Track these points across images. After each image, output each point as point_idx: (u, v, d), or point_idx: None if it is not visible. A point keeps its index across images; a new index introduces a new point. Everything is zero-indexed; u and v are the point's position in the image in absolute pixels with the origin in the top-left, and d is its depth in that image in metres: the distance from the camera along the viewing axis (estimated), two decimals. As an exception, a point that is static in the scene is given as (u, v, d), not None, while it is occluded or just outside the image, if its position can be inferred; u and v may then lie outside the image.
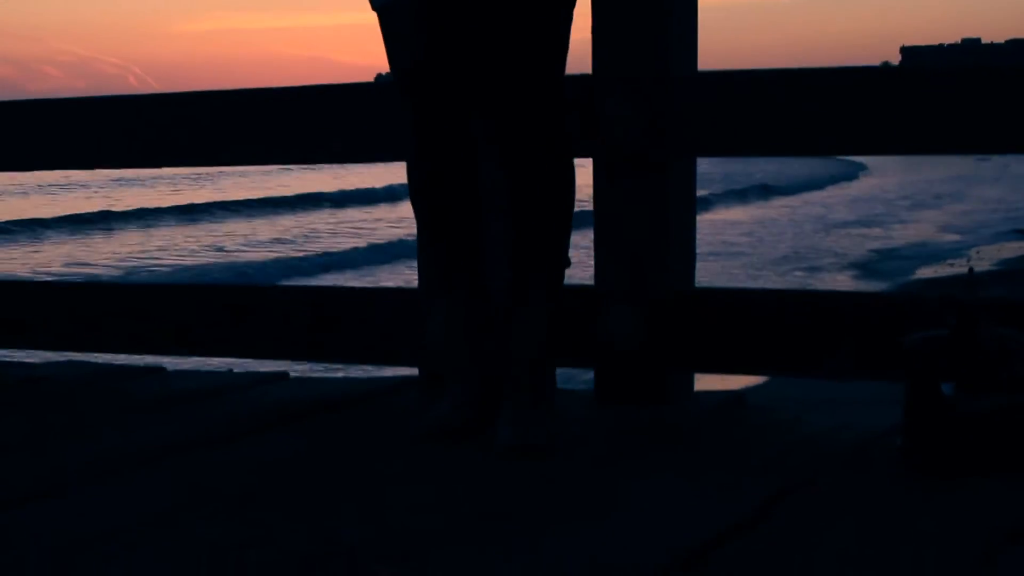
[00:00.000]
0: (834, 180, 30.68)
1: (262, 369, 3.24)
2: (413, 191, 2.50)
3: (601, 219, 2.70)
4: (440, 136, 2.43)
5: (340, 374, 4.55)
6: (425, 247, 2.58)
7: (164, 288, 4.87)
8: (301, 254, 18.28)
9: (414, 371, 2.98)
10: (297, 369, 3.28)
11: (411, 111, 2.44)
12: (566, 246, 2.42)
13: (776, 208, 24.46)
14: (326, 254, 17.77)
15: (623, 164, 2.67)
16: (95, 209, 22.94)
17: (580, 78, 2.66)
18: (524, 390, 2.39)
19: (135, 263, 18.40)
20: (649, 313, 2.66)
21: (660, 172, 2.66)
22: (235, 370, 3.31)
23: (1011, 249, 19.40)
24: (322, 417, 2.70)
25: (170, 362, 3.53)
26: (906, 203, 24.97)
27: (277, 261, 17.37)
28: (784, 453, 2.30)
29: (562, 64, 2.37)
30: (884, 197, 26.41)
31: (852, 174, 32.90)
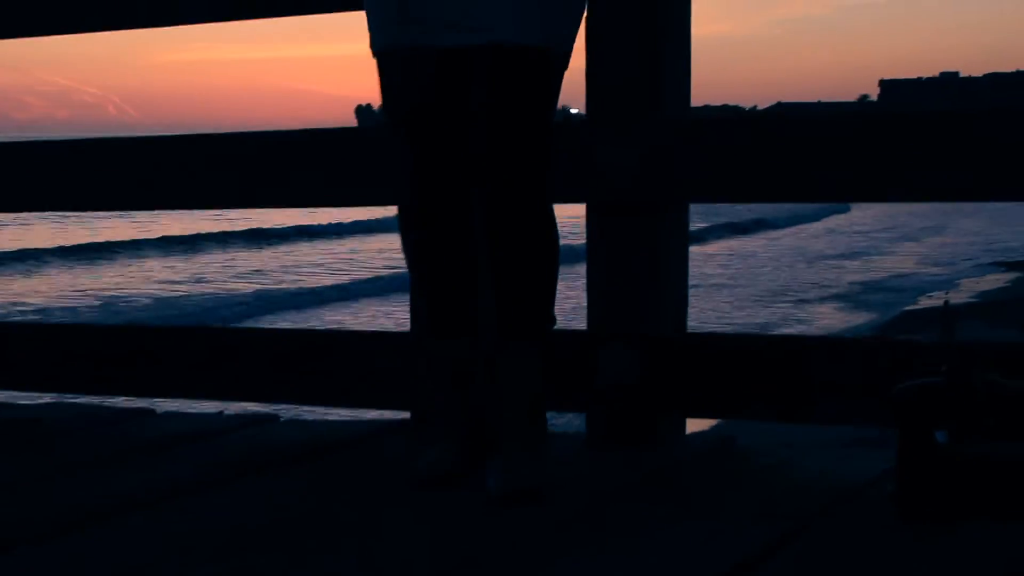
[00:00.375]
0: (827, 212, 30.84)
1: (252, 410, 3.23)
2: (405, 233, 2.50)
3: (594, 262, 2.71)
4: (433, 179, 2.43)
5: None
6: (417, 290, 2.56)
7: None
8: (292, 286, 18.21)
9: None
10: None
11: (405, 153, 2.44)
12: (552, 300, 2.42)
13: (770, 240, 24.51)
14: (319, 286, 17.66)
15: (615, 208, 2.68)
16: (86, 240, 22.78)
17: (574, 122, 2.67)
18: (515, 437, 2.39)
19: (119, 293, 18.32)
20: (641, 356, 2.66)
21: (652, 216, 2.67)
22: (225, 412, 3.30)
23: (989, 281, 19.45)
24: (312, 462, 2.68)
25: (160, 403, 3.51)
26: (894, 235, 25.05)
27: (261, 294, 17.32)
28: (777, 498, 2.30)
29: (552, 120, 2.38)
30: (874, 229, 26.49)
31: (844, 207, 33.10)
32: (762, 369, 2.62)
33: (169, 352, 3.18)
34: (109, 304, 17.49)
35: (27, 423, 3.14)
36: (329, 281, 18.57)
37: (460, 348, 2.49)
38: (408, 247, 2.50)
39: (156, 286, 18.79)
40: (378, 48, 2.42)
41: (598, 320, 2.71)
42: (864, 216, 30.94)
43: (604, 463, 2.60)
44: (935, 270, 19.81)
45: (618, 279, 2.68)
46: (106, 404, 3.33)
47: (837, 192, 2.60)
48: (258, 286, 18.52)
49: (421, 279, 2.53)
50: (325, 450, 2.77)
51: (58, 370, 3.29)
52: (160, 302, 17.64)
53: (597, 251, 2.70)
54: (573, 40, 2.40)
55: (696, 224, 25.42)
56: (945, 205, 32.55)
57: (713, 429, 3.15)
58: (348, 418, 3.31)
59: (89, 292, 18.59)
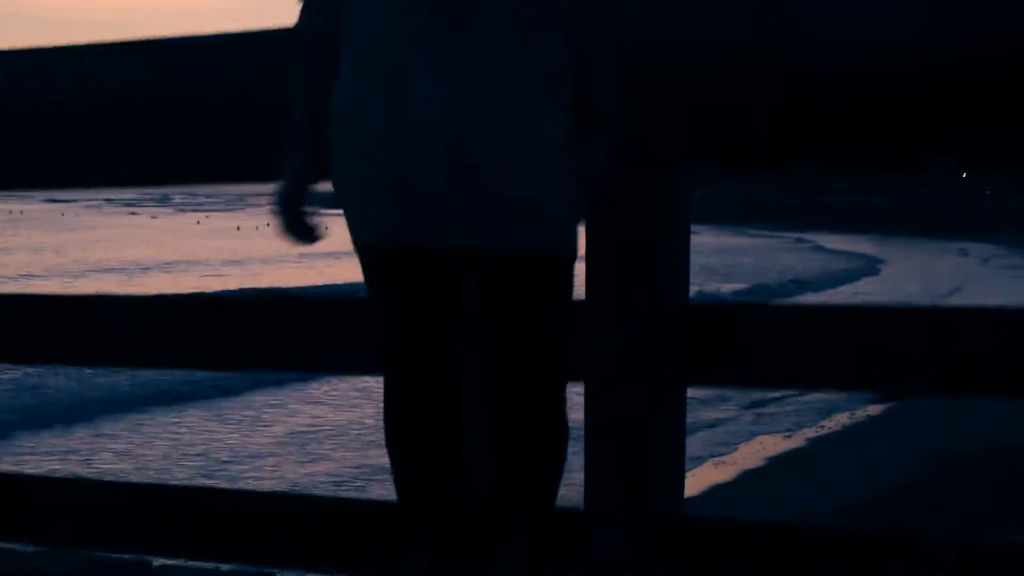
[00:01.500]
0: (860, 274, 30.95)
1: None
2: (397, 423, 2.47)
3: (592, 441, 2.76)
4: (429, 363, 2.42)
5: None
6: (400, 480, 2.50)
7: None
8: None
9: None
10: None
11: (395, 328, 2.43)
12: (556, 495, 2.45)
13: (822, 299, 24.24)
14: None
15: (615, 386, 2.71)
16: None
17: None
18: None
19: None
20: (639, 537, 2.69)
21: (647, 394, 2.69)
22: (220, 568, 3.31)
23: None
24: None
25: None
26: (926, 296, 24.79)
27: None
28: None
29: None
30: (908, 289, 26.30)
31: (873, 268, 33.24)
32: (763, 553, 2.66)
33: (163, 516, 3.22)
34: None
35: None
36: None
37: (443, 549, 2.46)
38: (392, 440, 2.48)
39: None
40: (387, 244, 2.38)
41: (595, 500, 2.74)
42: (899, 276, 30.86)
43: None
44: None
45: (614, 457, 2.73)
46: (105, 556, 3.34)
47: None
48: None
49: (407, 470, 2.47)
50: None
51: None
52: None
53: (595, 430, 2.75)
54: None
55: (735, 285, 25.46)
56: (961, 266, 32.68)
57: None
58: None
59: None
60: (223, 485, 8.84)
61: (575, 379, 2.73)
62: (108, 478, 9.04)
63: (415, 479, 2.46)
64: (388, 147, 2.31)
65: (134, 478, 9.14)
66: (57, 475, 9.14)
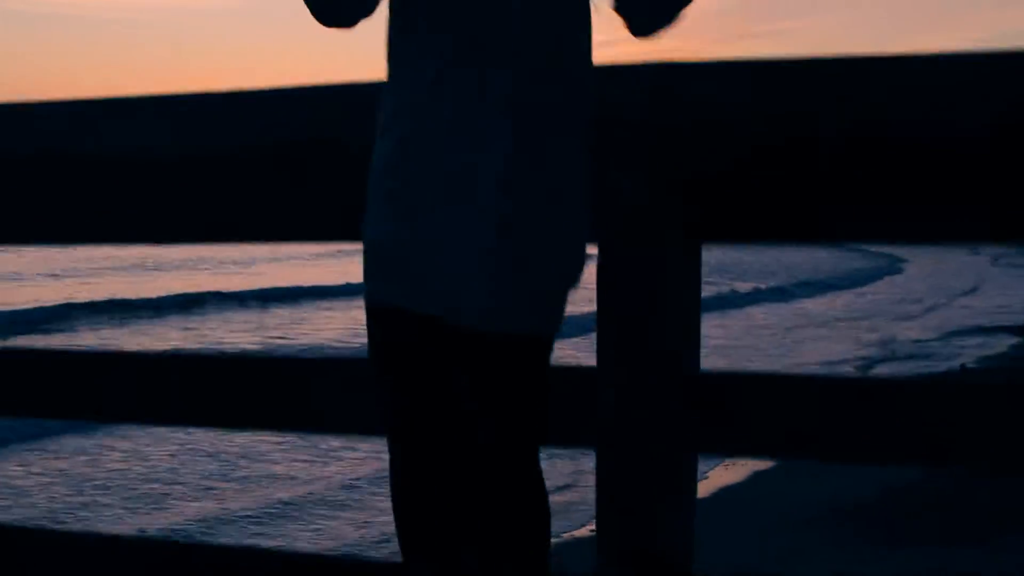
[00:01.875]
0: (883, 273, 31.02)
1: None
2: (403, 470, 2.45)
3: (603, 511, 2.74)
4: (429, 419, 2.40)
5: None
6: (403, 517, 2.48)
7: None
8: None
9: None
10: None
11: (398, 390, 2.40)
12: (548, 559, 2.45)
13: (828, 301, 24.27)
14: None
15: (625, 455, 2.71)
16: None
17: (580, 371, 2.70)
18: None
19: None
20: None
21: (662, 463, 2.67)
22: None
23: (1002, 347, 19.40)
24: None
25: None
26: (945, 296, 24.78)
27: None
28: None
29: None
30: (928, 290, 26.34)
31: (896, 268, 33.31)
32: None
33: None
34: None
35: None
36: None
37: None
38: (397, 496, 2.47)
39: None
40: (388, 304, 2.34)
41: (605, 563, 2.76)
42: (922, 274, 30.96)
43: None
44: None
45: (624, 524, 2.72)
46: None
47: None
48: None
49: (411, 508, 2.45)
50: None
51: None
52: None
53: (603, 498, 2.74)
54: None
55: (749, 285, 25.48)
56: (983, 269, 32.79)
57: None
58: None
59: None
60: (235, 487, 8.88)
61: (586, 445, 2.73)
62: (118, 480, 9.10)
63: (420, 537, 2.44)
64: (404, 215, 2.27)
65: (142, 479, 9.18)
66: (66, 475, 9.22)
